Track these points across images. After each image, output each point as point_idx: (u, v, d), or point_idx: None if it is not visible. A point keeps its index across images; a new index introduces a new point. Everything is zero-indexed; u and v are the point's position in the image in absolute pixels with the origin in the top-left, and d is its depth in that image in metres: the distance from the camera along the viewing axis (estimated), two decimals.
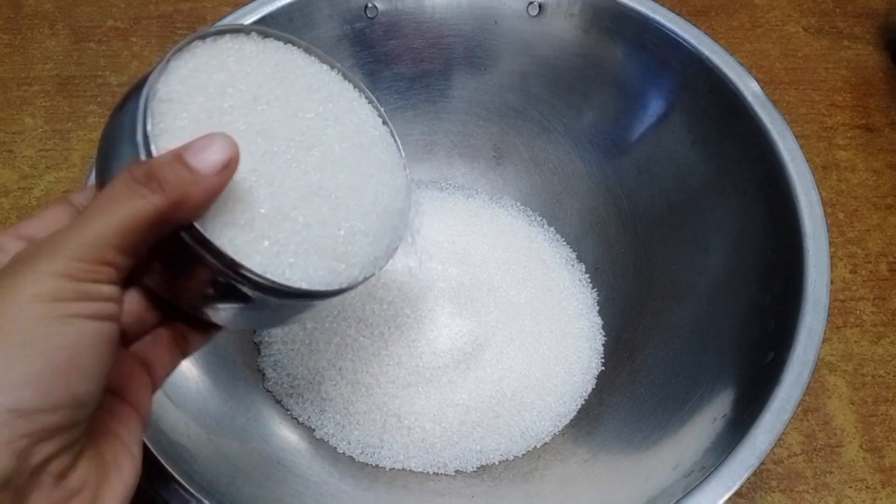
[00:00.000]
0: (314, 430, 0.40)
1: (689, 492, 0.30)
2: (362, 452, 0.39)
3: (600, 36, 0.44)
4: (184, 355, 0.27)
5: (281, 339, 0.42)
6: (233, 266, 0.22)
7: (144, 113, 0.22)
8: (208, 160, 0.21)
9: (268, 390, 0.41)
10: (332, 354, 0.40)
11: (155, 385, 0.25)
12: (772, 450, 0.31)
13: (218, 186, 0.22)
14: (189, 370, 0.38)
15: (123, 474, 0.22)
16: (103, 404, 0.22)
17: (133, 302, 0.26)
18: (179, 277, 0.24)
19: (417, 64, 0.47)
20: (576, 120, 0.47)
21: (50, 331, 0.19)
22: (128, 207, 0.20)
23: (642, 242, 0.45)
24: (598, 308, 0.45)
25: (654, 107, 0.44)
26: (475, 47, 0.46)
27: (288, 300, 0.24)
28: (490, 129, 0.49)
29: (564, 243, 0.48)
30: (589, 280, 0.46)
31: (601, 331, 0.44)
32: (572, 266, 0.46)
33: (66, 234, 0.20)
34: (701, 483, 0.30)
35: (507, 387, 0.40)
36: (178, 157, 0.21)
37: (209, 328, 0.27)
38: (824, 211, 0.36)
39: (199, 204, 0.21)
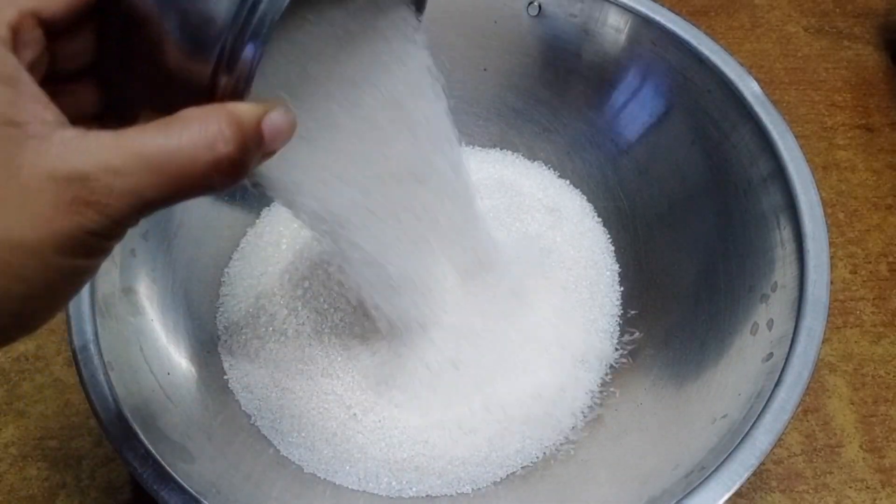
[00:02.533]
0: (303, 466, 0.39)
1: (690, 492, 0.30)
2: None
3: (599, 36, 0.44)
4: None
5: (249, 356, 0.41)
6: None
7: None
8: None
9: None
10: (306, 379, 0.40)
11: None
12: (772, 450, 0.31)
13: None
14: (188, 371, 0.38)
15: None
16: None
17: None
18: None
19: None
20: (575, 120, 0.47)
21: None
22: None
23: (642, 242, 0.45)
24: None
25: (654, 107, 0.44)
26: (474, 47, 0.46)
27: None
28: (490, 129, 0.49)
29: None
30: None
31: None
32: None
33: None
34: (701, 483, 0.30)
35: (514, 409, 0.40)
36: None
37: None
38: (824, 211, 0.36)
39: None
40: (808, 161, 0.37)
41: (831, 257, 0.48)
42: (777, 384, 0.32)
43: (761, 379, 0.33)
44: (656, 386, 0.40)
